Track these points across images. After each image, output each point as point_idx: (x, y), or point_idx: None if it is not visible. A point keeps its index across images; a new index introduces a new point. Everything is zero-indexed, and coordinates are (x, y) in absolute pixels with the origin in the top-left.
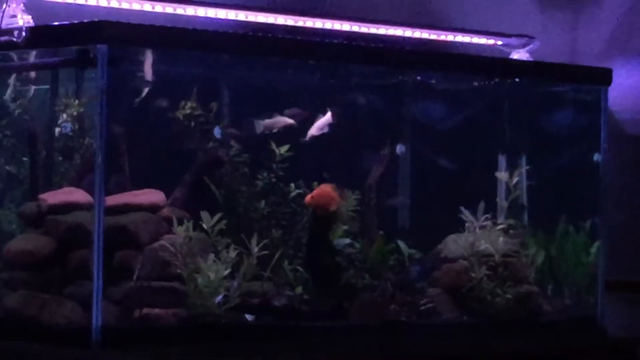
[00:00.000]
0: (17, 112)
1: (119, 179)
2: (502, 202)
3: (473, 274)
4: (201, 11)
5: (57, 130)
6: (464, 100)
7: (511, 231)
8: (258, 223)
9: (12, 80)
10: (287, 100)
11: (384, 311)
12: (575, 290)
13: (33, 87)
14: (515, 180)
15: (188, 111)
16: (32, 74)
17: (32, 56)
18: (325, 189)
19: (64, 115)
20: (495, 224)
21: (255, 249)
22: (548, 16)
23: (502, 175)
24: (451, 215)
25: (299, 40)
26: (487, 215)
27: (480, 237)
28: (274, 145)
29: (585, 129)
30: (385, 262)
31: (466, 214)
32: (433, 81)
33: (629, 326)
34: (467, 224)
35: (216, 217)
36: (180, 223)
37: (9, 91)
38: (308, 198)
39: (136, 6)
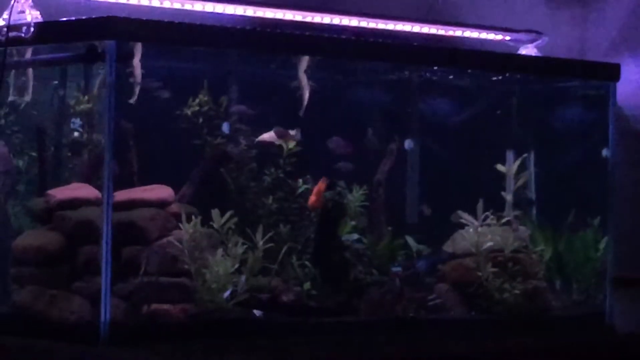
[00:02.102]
0: (22, 106)
1: (127, 174)
2: (508, 197)
3: (480, 273)
4: (209, 6)
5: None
6: (472, 96)
7: (506, 219)
8: (266, 219)
9: (12, 76)
10: (295, 95)
11: (392, 307)
12: (583, 286)
13: (31, 82)
14: (514, 169)
15: (197, 107)
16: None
17: (29, 52)
18: (317, 188)
19: (73, 111)
20: (500, 217)
21: (261, 243)
22: (556, 12)
23: (502, 167)
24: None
25: (309, 36)
26: (487, 213)
27: (487, 233)
28: (282, 141)
29: (594, 124)
30: (394, 258)
31: (465, 217)
32: (451, 77)
33: (637, 322)
34: (465, 227)
35: (227, 215)
36: (189, 219)
37: (11, 88)
38: (312, 202)
39: (144, 2)
